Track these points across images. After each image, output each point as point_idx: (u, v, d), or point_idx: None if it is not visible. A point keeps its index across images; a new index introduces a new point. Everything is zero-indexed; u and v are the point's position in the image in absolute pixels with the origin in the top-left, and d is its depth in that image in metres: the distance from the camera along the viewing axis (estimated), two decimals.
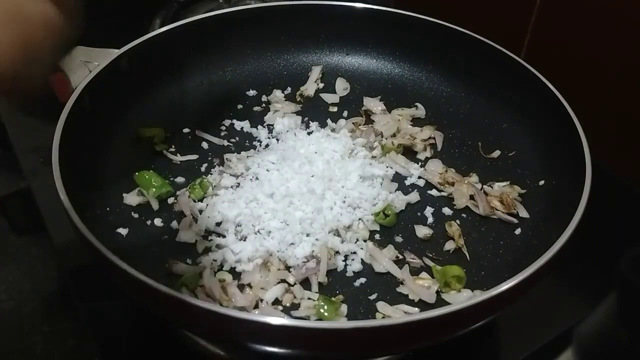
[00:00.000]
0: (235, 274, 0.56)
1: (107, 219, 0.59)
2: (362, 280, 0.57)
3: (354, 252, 0.59)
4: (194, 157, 0.69)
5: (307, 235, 0.59)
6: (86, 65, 0.66)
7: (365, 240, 0.60)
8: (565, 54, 0.81)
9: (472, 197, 0.64)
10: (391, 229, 0.62)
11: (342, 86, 0.79)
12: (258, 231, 0.59)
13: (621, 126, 0.77)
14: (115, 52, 0.67)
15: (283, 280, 0.56)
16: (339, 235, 0.60)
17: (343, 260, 0.58)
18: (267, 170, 0.65)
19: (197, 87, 0.76)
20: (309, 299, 0.54)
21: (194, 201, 0.63)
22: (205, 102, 0.75)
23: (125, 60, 0.67)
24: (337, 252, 0.59)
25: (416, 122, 0.75)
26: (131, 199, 0.62)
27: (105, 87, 0.64)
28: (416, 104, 0.76)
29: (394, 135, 0.72)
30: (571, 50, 0.80)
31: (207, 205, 0.62)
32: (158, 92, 0.72)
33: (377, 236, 0.61)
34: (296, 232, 0.59)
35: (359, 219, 0.62)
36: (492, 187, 0.66)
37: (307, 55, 0.80)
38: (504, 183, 0.66)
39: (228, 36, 0.77)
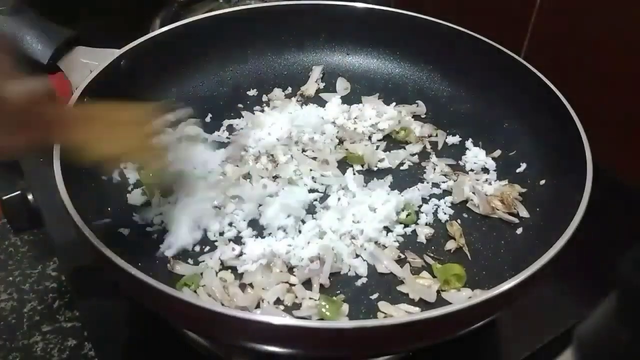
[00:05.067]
0: (237, 274, 0.56)
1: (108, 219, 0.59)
2: (364, 280, 0.57)
3: (358, 255, 0.59)
4: None
5: (313, 236, 0.59)
6: (86, 65, 0.66)
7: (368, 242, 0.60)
8: (566, 53, 0.81)
9: (473, 193, 0.64)
10: (392, 229, 0.62)
11: (342, 86, 0.79)
12: (263, 234, 0.59)
13: (622, 126, 0.77)
14: (115, 52, 0.67)
15: (285, 281, 0.56)
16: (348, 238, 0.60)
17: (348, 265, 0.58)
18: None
19: (198, 87, 0.76)
20: (310, 298, 0.54)
21: None
22: (205, 102, 0.75)
23: (125, 60, 0.67)
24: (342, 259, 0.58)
25: (417, 120, 0.75)
26: (135, 198, 0.62)
27: (105, 87, 0.64)
28: (417, 101, 0.76)
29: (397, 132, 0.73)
30: (571, 50, 0.80)
31: None
32: (158, 92, 0.72)
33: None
34: (303, 237, 0.59)
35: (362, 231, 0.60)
36: (491, 186, 0.66)
37: (308, 55, 0.80)
38: (504, 182, 0.66)
39: (228, 36, 0.77)
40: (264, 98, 0.77)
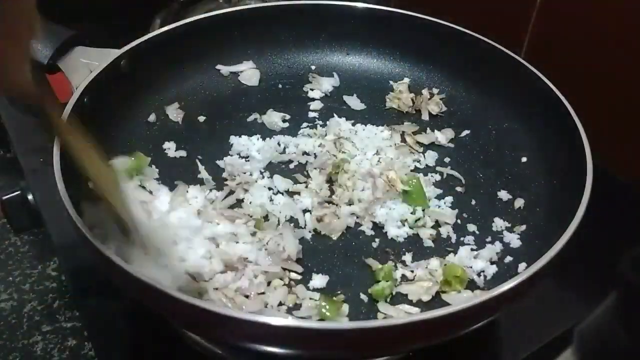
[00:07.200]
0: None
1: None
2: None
3: None
4: None
5: None
6: (86, 65, 0.65)
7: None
8: (566, 53, 0.81)
9: None
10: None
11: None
12: None
13: (622, 125, 0.77)
14: (115, 52, 0.67)
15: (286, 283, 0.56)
16: None
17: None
18: None
19: (198, 87, 0.76)
20: (310, 299, 0.54)
21: None
22: (205, 102, 0.75)
23: (125, 60, 0.67)
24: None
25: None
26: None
27: (105, 87, 0.64)
28: None
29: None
30: (571, 50, 0.80)
31: None
32: (158, 92, 0.72)
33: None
34: None
35: None
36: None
37: (307, 55, 0.80)
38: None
39: (228, 36, 0.77)
40: None
